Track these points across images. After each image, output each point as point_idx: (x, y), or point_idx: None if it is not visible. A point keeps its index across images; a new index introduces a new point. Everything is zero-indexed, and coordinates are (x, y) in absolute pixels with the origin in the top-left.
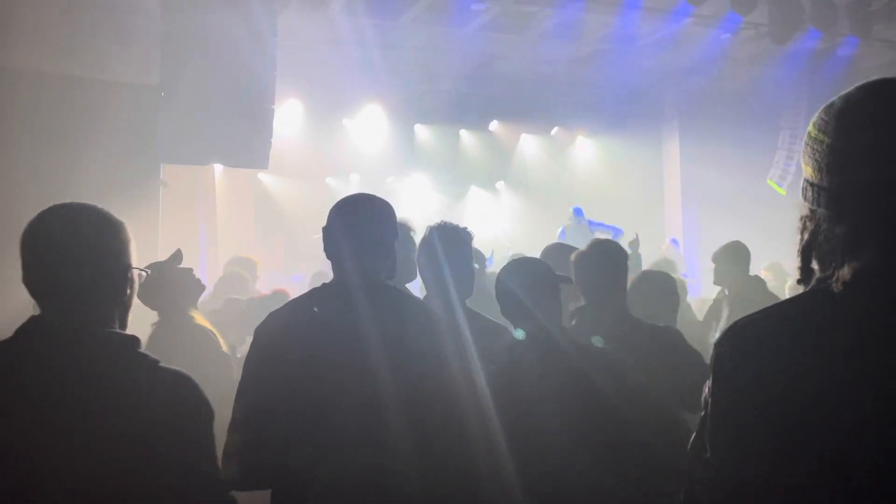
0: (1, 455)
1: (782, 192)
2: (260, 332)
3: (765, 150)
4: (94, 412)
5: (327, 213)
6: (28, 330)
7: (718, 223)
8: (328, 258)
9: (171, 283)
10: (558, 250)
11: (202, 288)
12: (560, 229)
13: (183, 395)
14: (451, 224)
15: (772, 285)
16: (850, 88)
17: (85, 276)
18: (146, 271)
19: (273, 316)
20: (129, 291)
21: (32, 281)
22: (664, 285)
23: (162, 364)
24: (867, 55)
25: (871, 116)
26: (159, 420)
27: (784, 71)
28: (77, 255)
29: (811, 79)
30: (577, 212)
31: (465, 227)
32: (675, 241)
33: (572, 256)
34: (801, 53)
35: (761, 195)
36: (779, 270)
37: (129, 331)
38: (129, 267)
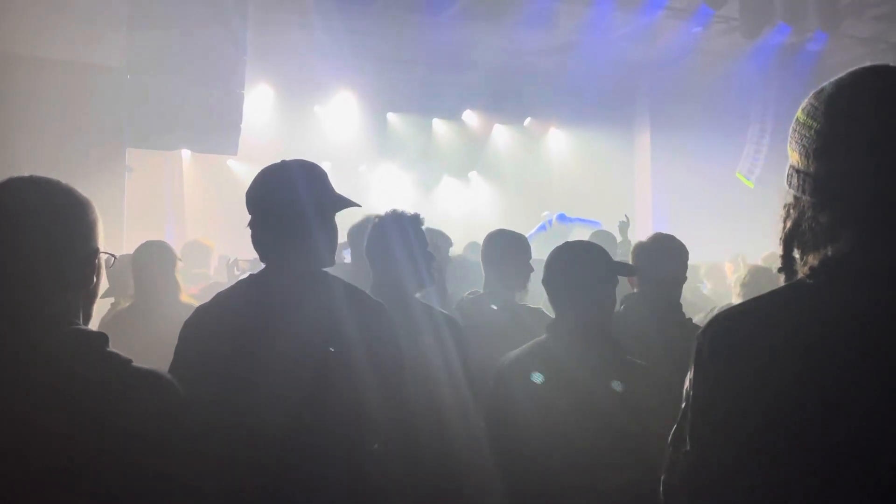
0: None
1: (750, 185)
2: (187, 331)
3: (734, 144)
4: (60, 420)
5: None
6: None
7: (688, 214)
8: (255, 248)
9: (143, 265)
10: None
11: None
12: (538, 226)
13: (158, 397)
14: (401, 211)
15: (734, 277)
16: (842, 74)
17: (49, 261)
18: (114, 255)
19: (200, 311)
20: (95, 279)
21: None
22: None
23: (135, 364)
24: (836, 51)
25: (862, 102)
26: (133, 426)
27: (754, 65)
28: (42, 235)
29: (780, 73)
30: (561, 218)
31: (417, 213)
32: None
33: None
34: (771, 48)
35: (730, 188)
36: (740, 262)
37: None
38: (97, 251)
